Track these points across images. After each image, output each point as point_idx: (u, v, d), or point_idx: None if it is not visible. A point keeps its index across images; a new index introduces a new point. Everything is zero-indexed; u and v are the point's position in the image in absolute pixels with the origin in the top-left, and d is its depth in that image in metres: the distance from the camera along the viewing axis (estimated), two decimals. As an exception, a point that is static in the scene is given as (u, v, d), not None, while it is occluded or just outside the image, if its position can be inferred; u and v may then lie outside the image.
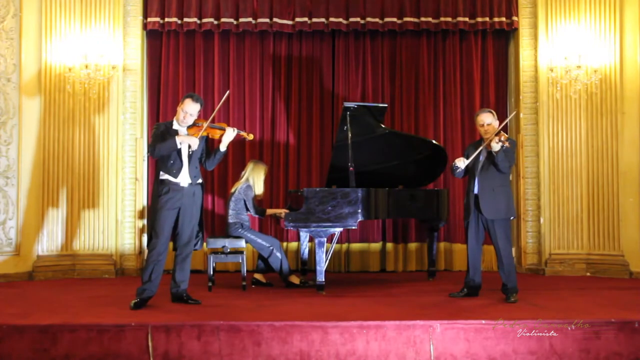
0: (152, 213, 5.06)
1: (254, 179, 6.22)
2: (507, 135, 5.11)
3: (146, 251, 6.95)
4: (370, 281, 6.60)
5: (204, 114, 7.39)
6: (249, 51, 7.45)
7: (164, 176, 5.00)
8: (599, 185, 6.90)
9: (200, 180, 5.12)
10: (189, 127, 5.09)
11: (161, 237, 4.95)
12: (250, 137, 5.31)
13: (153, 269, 4.94)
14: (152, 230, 5.02)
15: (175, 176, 4.99)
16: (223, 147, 5.12)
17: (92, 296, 5.57)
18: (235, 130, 5.14)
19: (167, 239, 5.02)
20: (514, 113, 4.99)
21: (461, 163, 5.29)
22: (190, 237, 5.09)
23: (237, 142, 7.34)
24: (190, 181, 5.04)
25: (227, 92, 5.46)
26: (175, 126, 5.08)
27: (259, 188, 6.23)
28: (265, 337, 4.25)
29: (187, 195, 5.03)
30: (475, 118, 5.41)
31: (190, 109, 5.01)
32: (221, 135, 5.12)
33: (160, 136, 5.00)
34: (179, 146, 4.95)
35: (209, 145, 5.29)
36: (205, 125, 5.09)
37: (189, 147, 5.00)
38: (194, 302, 5.06)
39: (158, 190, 5.02)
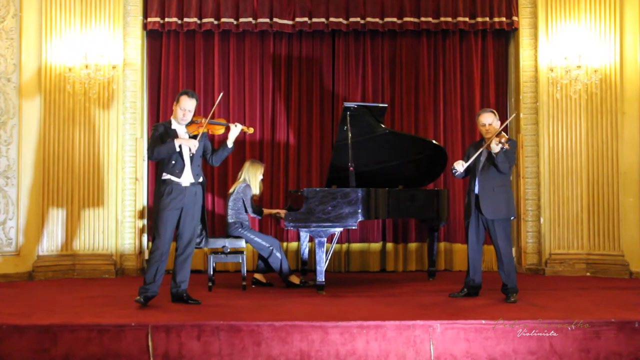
0: (155, 214, 5.06)
1: (251, 178, 6.23)
2: (507, 137, 5.11)
3: (146, 251, 7.01)
4: (370, 281, 6.60)
5: (203, 113, 7.42)
6: (249, 51, 7.46)
7: (166, 176, 5.00)
8: (599, 185, 6.90)
9: (201, 179, 5.13)
10: (187, 125, 5.10)
11: (164, 237, 4.95)
12: (251, 130, 5.38)
13: (157, 270, 4.94)
14: (154, 231, 5.02)
15: (179, 176, 4.99)
16: (230, 143, 5.17)
17: (92, 296, 5.56)
18: (239, 126, 5.19)
19: (170, 239, 5.02)
20: (513, 115, 4.98)
21: (459, 166, 5.30)
22: (192, 237, 5.09)
23: (237, 142, 7.32)
24: (192, 180, 5.04)
25: (221, 94, 5.46)
26: (174, 125, 5.08)
27: (255, 187, 6.23)
28: (265, 337, 4.25)
29: (189, 195, 5.03)
30: (477, 118, 5.41)
31: (187, 105, 5.02)
32: (226, 131, 5.16)
33: (159, 138, 5.00)
34: (177, 149, 4.95)
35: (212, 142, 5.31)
36: (204, 121, 5.10)
37: (190, 149, 5.00)
38: (194, 302, 5.06)
39: (160, 190, 5.02)
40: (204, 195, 5.18)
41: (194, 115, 5.13)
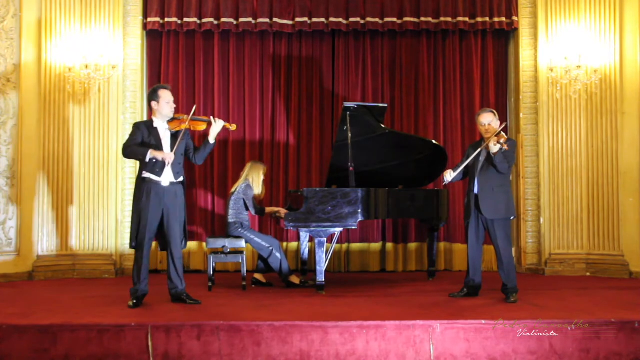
0: (135, 214, 4.99)
1: (253, 178, 6.22)
2: (506, 137, 5.09)
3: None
4: (370, 281, 6.60)
5: (203, 113, 7.42)
6: (249, 51, 7.46)
7: (146, 174, 4.95)
8: (599, 185, 6.90)
9: (182, 179, 5.08)
10: (169, 121, 5.04)
11: (144, 238, 4.92)
12: (234, 127, 5.27)
13: (141, 270, 4.95)
14: (136, 231, 4.98)
15: (159, 175, 4.93)
16: (212, 140, 5.10)
17: (92, 296, 5.56)
18: (221, 122, 5.11)
19: (150, 239, 4.99)
20: (504, 125, 5.00)
21: (448, 176, 5.33)
22: (180, 236, 5.04)
23: (238, 142, 7.35)
24: (173, 179, 4.99)
25: (194, 107, 5.35)
26: (155, 123, 5.03)
27: (257, 187, 6.22)
28: (265, 337, 4.25)
29: (169, 195, 4.97)
30: (477, 118, 5.41)
31: (170, 97, 5.01)
32: (208, 127, 5.09)
33: (140, 143, 4.95)
34: (147, 160, 4.88)
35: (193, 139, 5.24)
36: (186, 118, 5.02)
37: (165, 161, 4.92)
38: (193, 302, 5.04)
39: (140, 190, 4.97)
40: (185, 194, 5.12)
41: (176, 112, 5.08)
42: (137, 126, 5.07)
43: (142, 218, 4.93)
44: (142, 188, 4.96)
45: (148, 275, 5.03)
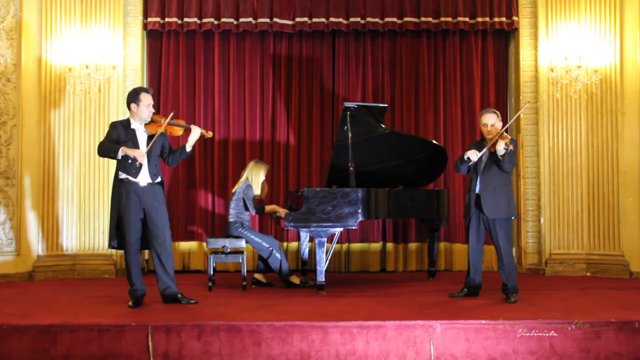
0: (114, 213, 4.94)
1: (253, 177, 6.20)
2: (509, 137, 5.09)
3: (146, 252, 6.98)
4: (370, 281, 6.60)
5: (203, 114, 7.42)
6: (249, 51, 7.46)
7: (123, 176, 4.92)
8: (599, 185, 6.90)
9: (159, 179, 5.04)
10: (146, 124, 4.99)
11: (129, 240, 4.90)
12: (209, 134, 5.16)
13: (132, 272, 4.94)
14: (120, 235, 4.94)
15: (135, 176, 4.89)
16: (189, 148, 5.04)
17: (92, 296, 5.57)
18: (198, 129, 5.03)
19: (137, 240, 4.95)
20: (526, 105, 4.87)
21: (474, 156, 5.14)
22: (166, 233, 4.99)
23: (238, 142, 7.36)
24: (150, 180, 4.95)
25: (172, 113, 5.27)
26: (133, 125, 4.97)
27: (257, 188, 6.19)
28: (265, 337, 4.25)
29: (149, 195, 4.93)
30: (480, 118, 5.39)
31: (150, 100, 4.95)
32: (185, 133, 5.02)
33: (114, 140, 4.91)
34: (119, 157, 4.84)
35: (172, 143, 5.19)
36: (163, 122, 4.98)
37: (136, 159, 4.86)
38: (188, 302, 5.02)
39: (119, 191, 4.93)
40: (164, 195, 5.08)
41: (154, 114, 5.04)
42: (113, 126, 5.02)
43: (124, 220, 4.89)
44: (121, 189, 4.92)
45: (141, 275, 5.02)
